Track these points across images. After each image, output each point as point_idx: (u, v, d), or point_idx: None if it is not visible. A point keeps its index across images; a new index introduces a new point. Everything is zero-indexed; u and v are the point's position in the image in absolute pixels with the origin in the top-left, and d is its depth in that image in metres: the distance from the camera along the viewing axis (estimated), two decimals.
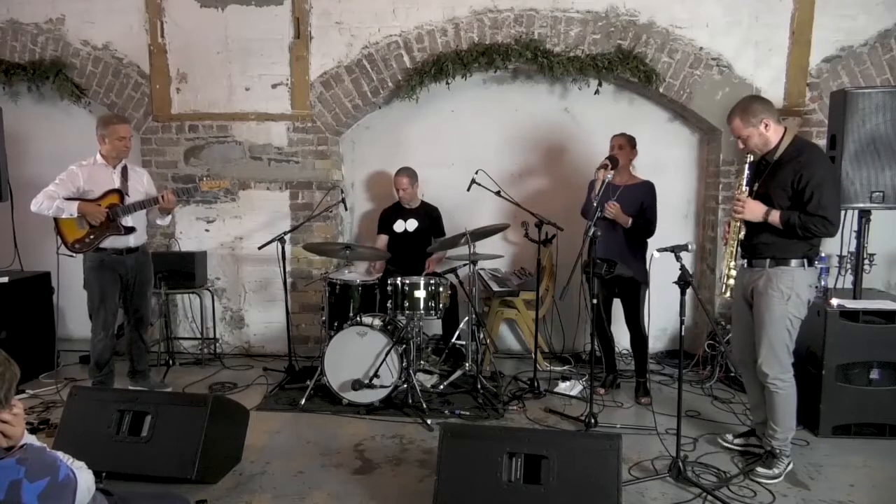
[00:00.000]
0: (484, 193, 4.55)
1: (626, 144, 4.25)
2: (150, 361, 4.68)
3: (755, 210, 3.14)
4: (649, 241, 4.26)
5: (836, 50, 4.67)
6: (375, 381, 4.01)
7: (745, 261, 3.31)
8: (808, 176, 3.03)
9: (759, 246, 3.21)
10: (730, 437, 3.61)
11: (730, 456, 3.49)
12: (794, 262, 3.14)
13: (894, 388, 3.66)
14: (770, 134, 3.15)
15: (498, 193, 4.51)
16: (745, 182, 3.20)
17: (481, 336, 4.53)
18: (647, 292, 4.21)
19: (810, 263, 3.17)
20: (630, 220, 4.13)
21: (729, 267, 3.26)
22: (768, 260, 3.18)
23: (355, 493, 3.10)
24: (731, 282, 3.27)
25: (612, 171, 3.90)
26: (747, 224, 3.21)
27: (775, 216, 3.09)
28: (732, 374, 4.51)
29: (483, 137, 5.27)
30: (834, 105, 4.00)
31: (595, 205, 3.84)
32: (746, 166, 3.22)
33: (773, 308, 3.15)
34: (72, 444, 2.85)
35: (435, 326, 5.31)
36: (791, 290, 3.12)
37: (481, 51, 4.78)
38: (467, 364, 4.61)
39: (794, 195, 3.09)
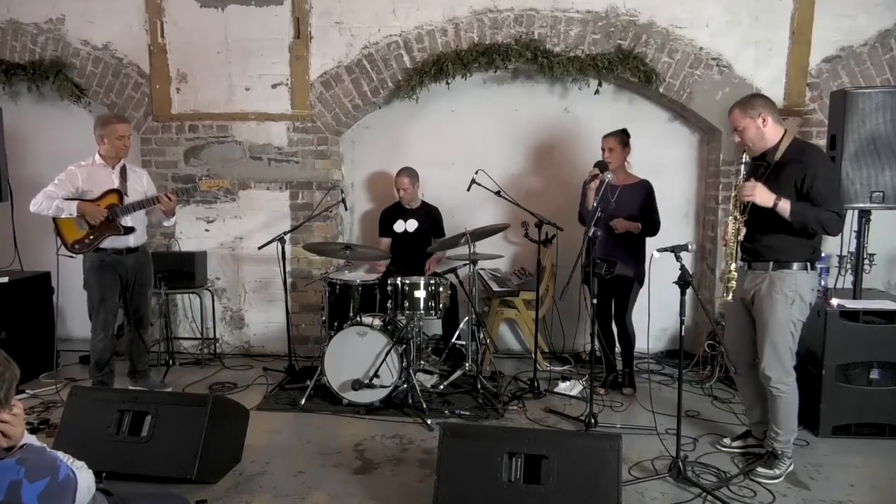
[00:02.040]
0: (484, 193, 4.54)
1: (617, 145, 4.23)
2: (150, 361, 4.68)
3: (764, 195, 3.03)
4: (649, 240, 4.27)
5: (836, 50, 4.67)
6: (375, 381, 4.01)
7: (746, 263, 3.28)
8: (813, 177, 3.03)
9: (761, 248, 3.19)
10: (727, 441, 3.60)
11: (730, 456, 3.49)
12: (796, 266, 3.13)
13: (894, 388, 3.66)
14: (767, 130, 3.14)
15: (498, 193, 4.50)
16: (741, 180, 3.19)
17: (481, 336, 4.53)
18: (639, 291, 4.23)
19: (812, 266, 3.16)
20: (640, 226, 4.17)
21: (730, 270, 3.24)
22: (771, 263, 3.16)
23: (355, 493, 3.10)
24: (733, 284, 3.25)
25: (610, 175, 3.91)
26: (748, 225, 3.19)
27: (785, 205, 3.01)
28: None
29: (483, 137, 5.27)
30: (834, 105, 4.00)
31: (595, 205, 3.83)
32: (742, 166, 3.21)
33: (778, 311, 3.13)
34: (72, 444, 2.85)
35: (435, 326, 5.31)
36: (795, 294, 3.11)
37: (481, 51, 4.77)
38: (467, 364, 4.60)
39: (798, 197, 3.06)
